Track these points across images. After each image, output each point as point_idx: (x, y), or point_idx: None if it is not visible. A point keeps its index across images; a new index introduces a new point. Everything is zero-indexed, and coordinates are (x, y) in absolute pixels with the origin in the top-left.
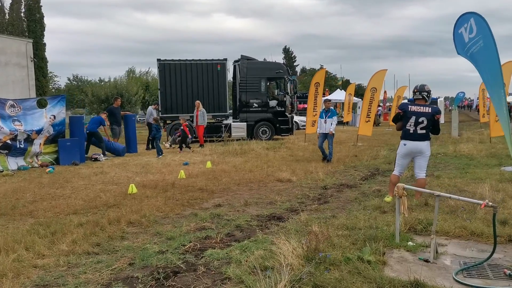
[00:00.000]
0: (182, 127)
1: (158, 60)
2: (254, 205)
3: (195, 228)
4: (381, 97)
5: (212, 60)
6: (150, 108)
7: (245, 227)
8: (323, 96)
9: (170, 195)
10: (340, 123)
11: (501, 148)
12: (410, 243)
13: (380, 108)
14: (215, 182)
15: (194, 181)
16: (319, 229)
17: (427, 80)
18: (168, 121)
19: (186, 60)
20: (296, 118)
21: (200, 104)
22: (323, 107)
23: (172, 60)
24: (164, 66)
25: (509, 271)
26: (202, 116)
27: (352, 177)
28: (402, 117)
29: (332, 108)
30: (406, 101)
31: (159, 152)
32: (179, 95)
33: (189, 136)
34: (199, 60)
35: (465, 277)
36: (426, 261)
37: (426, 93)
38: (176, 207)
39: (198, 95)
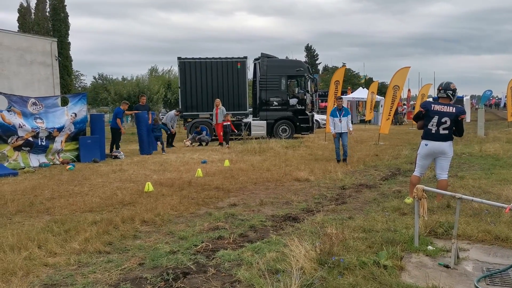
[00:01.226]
0: (228, 123)
1: (179, 58)
2: (270, 205)
3: (208, 228)
4: (405, 95)
5: (232, 58)
6: (172, 112)
7: (259, 227)
8: (344, 94)
9: (186, 193)
10: (362, 121)
11: None
12: (429, 247)
13: (404, 106)
14: (232, 181)
15: (211, 180)
16: (334, 231)
17: (452, 78)
18: (188, 119)
19: (207, 58)
20: (317, 117)
21: (220, 102)
22: (335, 105)
23: (193, 58)
24: (185, 64)
25: None
26: (221, 115)
27: (372, 177)
28: (424, 116)
29: (345, 106)
30: (430, 99)
31: (148, 151)
32: (199, 93)
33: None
34: (219, 58)
35: (487, 284)
36: (447, 266)
37: (451, 92)
38: (191, 206)
39: (218, 93)
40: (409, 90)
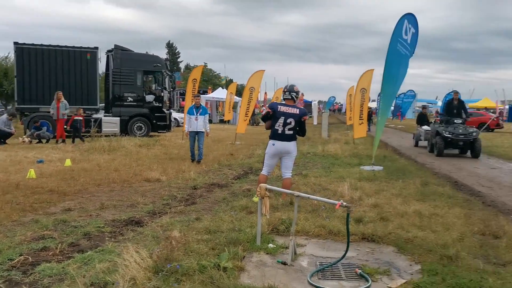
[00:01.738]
0: (80, 118)
1: (15, 43)
2: (112, 208)
3: (31, 238)
4: (262, 98)
5: (81, 48)
6: (4, 117)
7: (95, 234)
8: (205, 94)
9: (11, 198)
10: (221, 121)
11: (362, 148)
12: (270, 245)
13: (263, 108)
14: (71, 182)
15: (45, 182)
16: (178, 234)
17: (304, 84)
18: (26, 113)
19: (50, 45)
20: (176, 115)
21: (62, 95)
22: (193, 103)
23: (33, 44)
24: (23, 50)
25: (360, 270)
26: (63, 109)
27: (225, 176)
28: (271, 116)
29: (203, 105)
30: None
31: None
32: (40, 84)
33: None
34: (65, 46)
35: (319, 279)
36: (284, 263)
37: (295, 94)
38: (15, 212)
39: (64, 86)
40: (265, 93)
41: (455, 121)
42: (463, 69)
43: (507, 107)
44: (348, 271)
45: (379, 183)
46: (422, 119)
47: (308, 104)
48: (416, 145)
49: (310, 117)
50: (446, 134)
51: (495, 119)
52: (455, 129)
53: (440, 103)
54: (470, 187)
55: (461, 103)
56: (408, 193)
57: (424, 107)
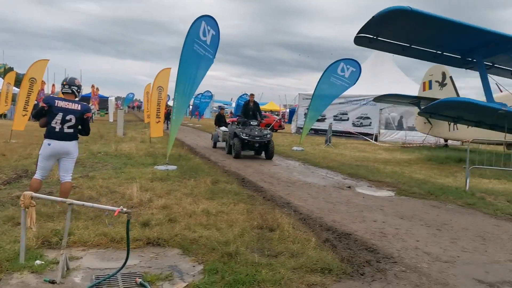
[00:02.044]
0: None
1: None
2: None
3: None
4: (49, 90)
5: None
6: None
7: None
8: None
9: None
10: None
11: (159, 147)
12: (38, 261)
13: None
14: None
15: None
16: None
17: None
18: None
19: None
20: None
21: None
22: None
23: None
24: None
25: (140, 279)
26: None
27: None
28: (47, 112)
29: None
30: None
31: None
32: None
33: None
34: None
35: None
36: (52, 282)
37: (76, 88)
38: None
39: None
40: (53, 85)
41: (251, 123)
42: (254, 75)
43: (287, 110)
44: (127, 282)
45: (171, 183)
46: (220, 120)
47: (104, 100)
48: (215, 146)
49: (106, 113)
50: (243, 136)
51: (278, 120)
52: (251, 130)
53: (234, 105)
54: (255, 183)
55: (256, 106)
56: (199, 191)
57: (221, 108)
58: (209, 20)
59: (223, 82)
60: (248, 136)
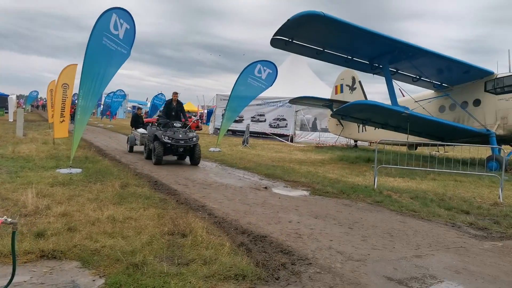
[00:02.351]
0: None
1: None
2: None
3: None
4: None
5: None
6: None
7: None
8: None
9: None
10: None
11: (64, 149)
12: None
13: None
14: None
15: None
16: None
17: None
18: None
19: None
20: None
21: None
22: None
23: None
24: None
25: None
26: None
27: None
28: None
29: None
30: None
31: None
32: None
33: None
34: None
35: None
36: None
37: None
38: None
39: None
40: None
41: (174, 124)
42: (171, 75)
43: (205, 111)
44: None
45: (74, 187)
46: (137, 121)
47: (3, 98)
48: (131, 150)
49: (6, 112)
50: (166, 139)
51: (195, 121)
52: (174, 133)
53: (149, 105)
54: (168, 186)
55: (180, 105)
56: (105, 196)
57: (139, 107)
58: (121, 12)
59: (139, 81)
60: (171, 139)
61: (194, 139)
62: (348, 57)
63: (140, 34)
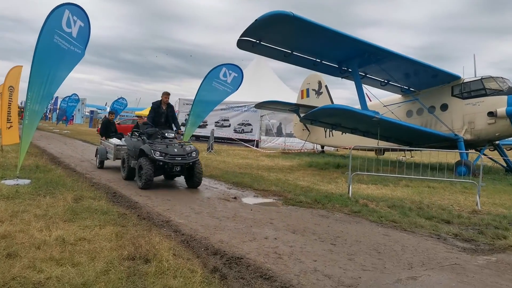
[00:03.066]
0: None
1: None
2: None
3: None
4: None
5: None
6: None
7: None
8: None
9: None
10: None
11: (12, 157)
12: None
13: None
14: None
15: None
16: None
17: None
18: None
19: None
20: None
21: None
22: None
23: None
24: None
25: None
26: None
27: None
28: None
29: None
30: None
31: None
32: None
33: None
34: None
35: None
36: None
37: None
38: None
39: None
40: None
41: (166, 134)
42: (132, 79)
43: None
44: None
45: (20, 201)
46: (109, 128)
47: None
48: (101, 166)
49: None
50: (157, 156)
51: None
52: (168, 147)
53: (108, 109)
54: (128, 198)
55: (171, 110)
56: (55, 212)
57: (111, 112)
58: (75, 9)
59: (98, 86)
60: (163, 155)
61: (194, 154)
62: (317, 60)
63: (99, 37)
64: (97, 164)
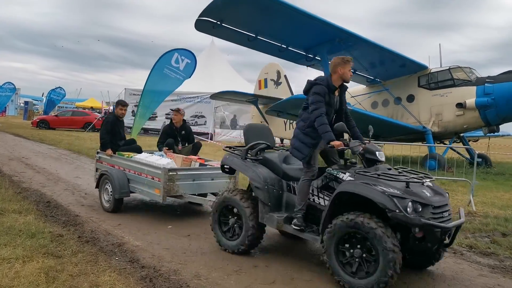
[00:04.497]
0: None
1: None
2: None
3: None
4: None
5: None
6: None
7: None
8: None
9: None
10: None
11: None
12: None
13: None
14: None
15: None
16: None
17: None
18: None
19: None
20: None
21: None
22: None
23: None
24: None
25: None
26: None
27: None
28: None
29: None
30: None
31: None
32: None
33: None
34: None
35: None
36: None
37: None
38: None
39: None
40: None
41: (377, 154)
42: (70, 69)
43: (111, 108)
44: None
45: None
46: (117, 133)
47: None
48: (118, 208)
49: None
50: (420, 217)
51: (100, 119)
52: (412, 187)
53: (45, 100)
54: (66, 208)
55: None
56: None
57: (122, 104)
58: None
59: (34, 75)
60: (427, 211)
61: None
62: (283, 46)
63: (35, 24)
64: (106, 205)
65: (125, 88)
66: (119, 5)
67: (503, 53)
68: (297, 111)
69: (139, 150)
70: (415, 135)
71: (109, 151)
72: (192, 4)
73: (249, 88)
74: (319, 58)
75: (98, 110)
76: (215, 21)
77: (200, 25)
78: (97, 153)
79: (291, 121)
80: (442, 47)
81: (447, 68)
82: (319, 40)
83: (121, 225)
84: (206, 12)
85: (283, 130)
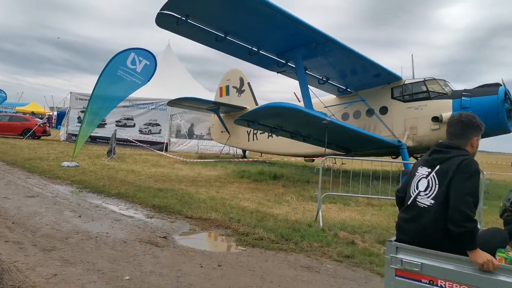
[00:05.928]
0: None
1: None
2: None
3: None
4: None
5: None
6: None
7: None
8: None
9: None
10: None
11: None
12: None
13: None
14: None
15: None
16: None
17: None
18: None
19: None
20: None
21: None
22: None
23: None
24: None
25: None
26: None
27: None
28: None
29: None
30: None
31: None
32: None
33: None
34: None
35: None
36: None
37: None
38: None
39: None
40: None
41: None
42: (12, 72)
43: (55, 113)
44: None
45: None
46: None
47: None
48: None
49: None
50: None
51: (41, 125)
52: None
53: None
54: None
55: None
56: None
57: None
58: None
59: None
60: None
61: None
62: (254, 48)
63: None
64: None
65: (70, 92)
66: (67, 7)
67: (444, 71)
68: (272, 121)
69: None
70: (389, 149)
71: None
72: (145, 8)
73: (208, 96)
74: (292, 65)
75: (40, 116)
76: (180, 16)
77: (162, 20)
78: None
79: (255, 132)
80: (387, 63)
81: (422, 80)
82: (295, 43)
83: (58, 276)
84: (169, 4)
85: (246, 141)
